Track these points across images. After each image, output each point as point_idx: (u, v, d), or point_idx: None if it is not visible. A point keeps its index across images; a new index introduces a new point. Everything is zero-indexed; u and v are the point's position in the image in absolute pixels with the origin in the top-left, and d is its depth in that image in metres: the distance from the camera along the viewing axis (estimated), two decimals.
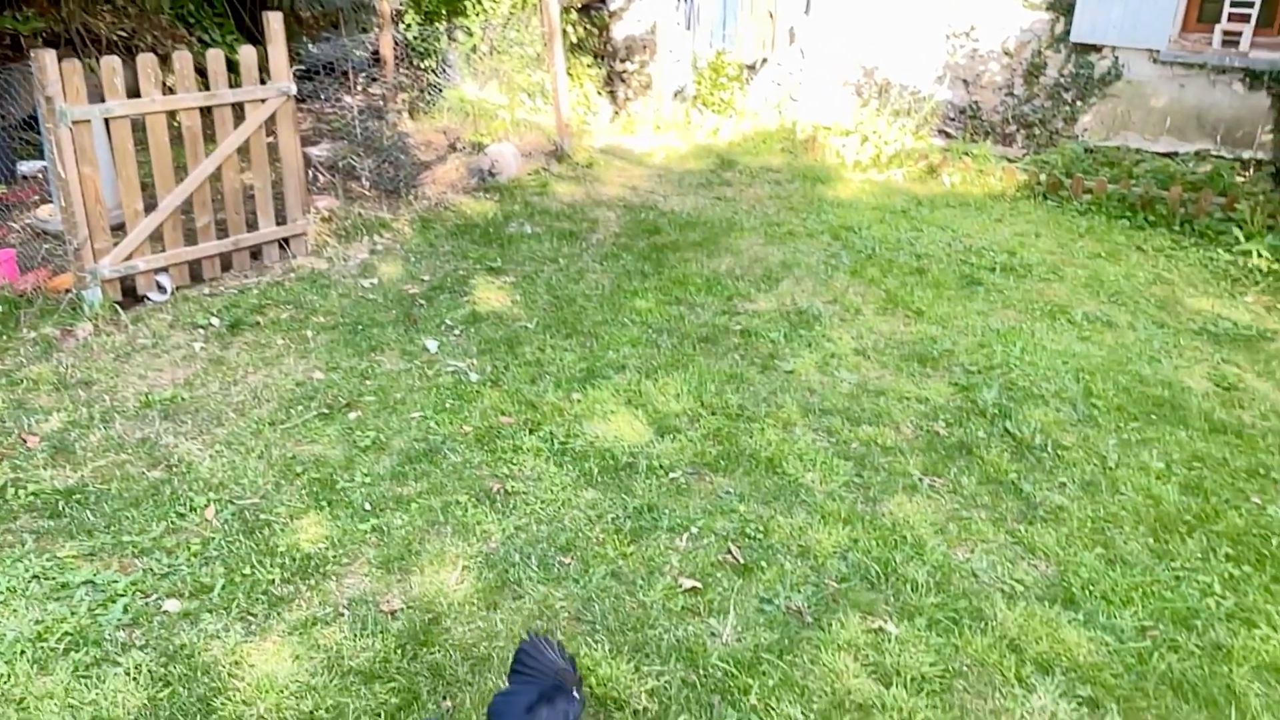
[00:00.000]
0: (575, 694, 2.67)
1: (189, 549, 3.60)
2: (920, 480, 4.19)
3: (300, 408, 4.56)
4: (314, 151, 7.48)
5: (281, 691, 2.98)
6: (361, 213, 6.74)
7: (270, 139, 6.02)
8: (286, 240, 6.16)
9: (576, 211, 7.20)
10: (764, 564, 3.64)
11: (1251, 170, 8.07)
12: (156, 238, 5.58)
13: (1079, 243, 6.95)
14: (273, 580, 3.45)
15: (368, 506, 3.88)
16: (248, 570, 3.49)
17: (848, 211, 7.41)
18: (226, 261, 5.97)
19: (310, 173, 7.06)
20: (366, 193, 7.07)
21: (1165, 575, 3.64)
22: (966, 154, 8.46)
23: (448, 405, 4.62)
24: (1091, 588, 3.56)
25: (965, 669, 3.19)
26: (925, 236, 6.95)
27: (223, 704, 2.93)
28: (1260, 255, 6.56)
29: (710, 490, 4.08)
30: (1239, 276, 6.46)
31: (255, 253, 6.10)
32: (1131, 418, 4.71)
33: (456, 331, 5.37)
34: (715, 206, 7.48)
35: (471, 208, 7.09)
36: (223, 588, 3.41)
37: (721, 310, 5.72)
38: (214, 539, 3.66)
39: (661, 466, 4.21)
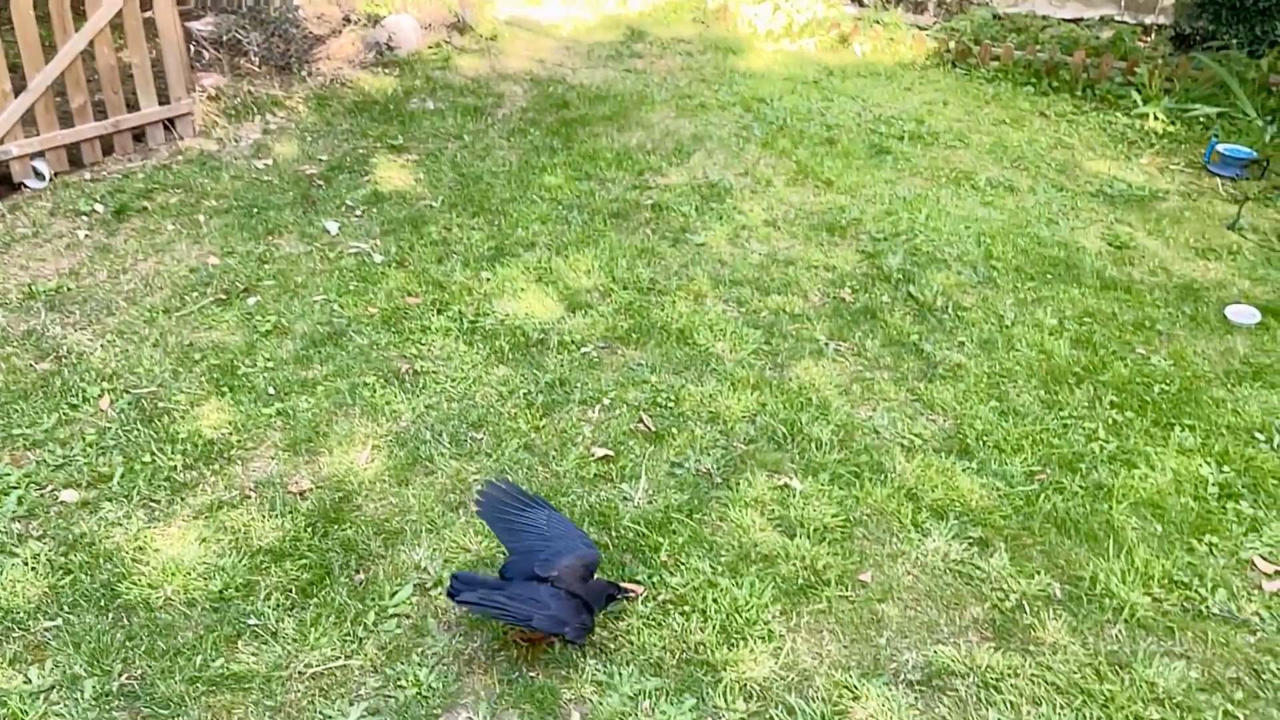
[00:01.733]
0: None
1: (84, 439, 3.49)
2: (826, 345, 4.27)
3: (195, 294, 4.40)
4: (196, 26, 6.98)
5: (188, 573, 2.96)
6: (252, 91, 6.38)
7: (147, 13, 5.59)
8: (172, 121, 5.81)
9: (481, 86, 6.94)
10: (675, 431, 3.71)
11: (1152, 35, 8.16)
12: (29, 121, 5.21)
13: (985, 109, 7.00)
14: (174, 467, 3.39)
15: (271, 391, 3.80)
16: (148, 458, 3.41)
17: (759, 83, 7.30)
18: (108, 145, 5.63)
19: (193, 49, 6.61)
20: (256, 69, 6.67)
21: (1054, 424, 3.82)
22: (878, 22, 8.35)
23: (351, 287, 4.50)
24: (985, 438, 3.72)
25: (865, 518, 3.33)
26: (836, 107, 6.90)
27: (127, 589, 2.90)
28: (1156, 118, 6.71)
29: (622, 363, 4.10)
30: (1135, 139, 6.61)
31: (138, 135, 5.75)
32: (1029, 278, 4.85)
33: (358, 212, 5.20)
34: (625, 79, 7.28)
35: (369, 83, 6.77)
36: (122, 476, 3.33)
37: (632, 185, 5.63)
38: (110, 429, 3.55)
39: (573, 342, 4.21)
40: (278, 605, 2.88)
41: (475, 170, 5.68)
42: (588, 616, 2.74)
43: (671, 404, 3.85)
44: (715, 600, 2.96)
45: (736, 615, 2.92)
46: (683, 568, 3.09)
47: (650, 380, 3.97)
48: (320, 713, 2.57)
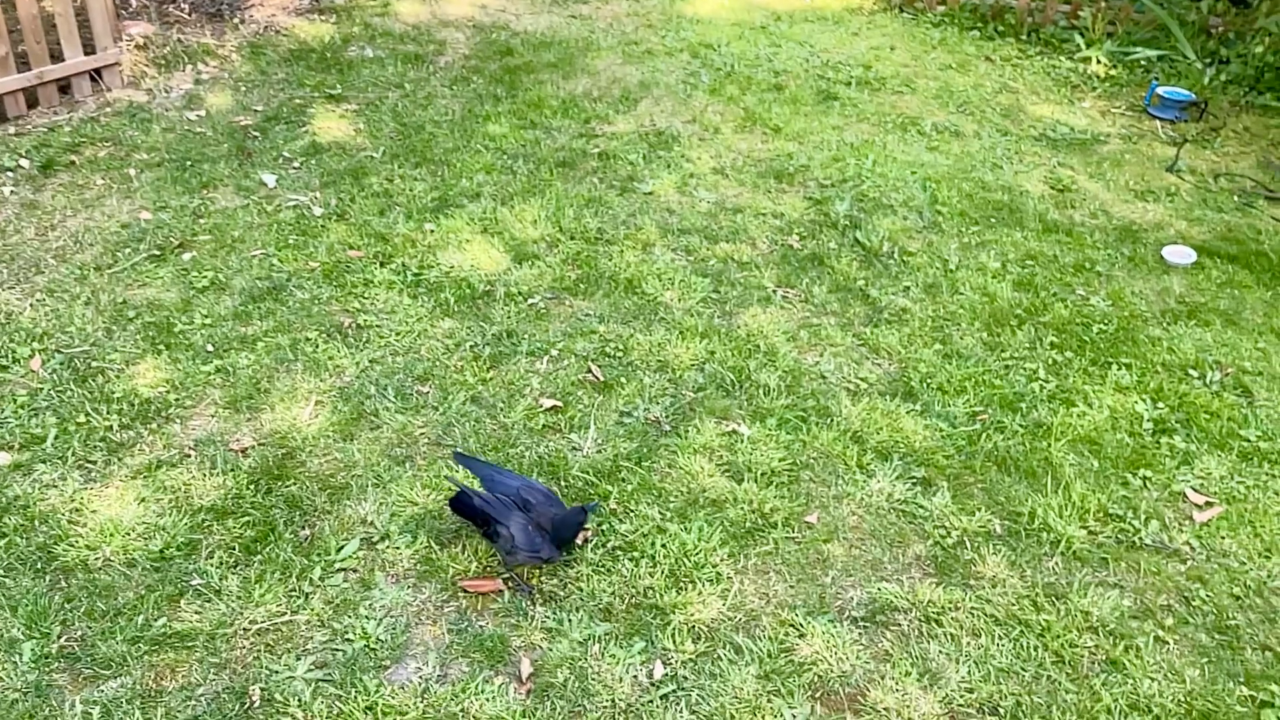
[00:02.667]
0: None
1: (15, 401, 3.39)
2: (774, 292, 4.28)
3: (128, 250, 4.27)
4: None
5: (128, 534, 2.91)
6: (182, 39, 6.15)
7: None
8: (98, 72, 5.59)
9: (422, 33, 6.76)
10: (623, 380, 3.70)
11: None
12: None
13: (931, 55, 6.99)
14: (110, 427, 3.30)
15: (210, 348, 3.72)
16: (82, 419, 3.33)
17: (707, 28, 7.21)
18: (32, 97, 5.40)
19: None
20: (186, 17, 6.43)
21: (996, 365, 3.88)
22: None
23: (291, 241, 4.40)
24: (929, 380, 3.77)
25: (811, 461, 3.37)
26: (784, 52, 6.85)
27: (64, 550, 2.84)
28: (1099, 61, 6.76)
29: (570, 313, 4.07)
30: (1078, 83, 6.66)
31: (64, 87, 5.52)
32: (973, 222, 4.89)
33: (296, 164, 5.06)
34: (570, 25, 7.14)
35: (306, 31, 6.56)
36: (56, 437, 3.24)
37: (579, 133, 5.56)
38: (42, 389, 3.45)
39: (520, 293, 4.16)
40: (221, 563, 2.84)
41: (417, 119, 5.56)
42: (548, 551, 2.76)
43: (620, 353, 3.84)
44: (664, 545, 2.98)
45: (685, 559, 2.94)
46: (632, 515, 3.10)
47: (598, 330, 3.95)
48: (266, 668, 2.56)
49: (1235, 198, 5.33)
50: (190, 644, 2.61)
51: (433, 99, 5.83)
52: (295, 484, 3.13)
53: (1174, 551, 3.09)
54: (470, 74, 6.20)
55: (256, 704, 2.47)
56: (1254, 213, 5.21)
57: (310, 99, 5.71)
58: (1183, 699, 2.63)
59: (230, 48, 6.21)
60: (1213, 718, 2.59)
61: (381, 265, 4.27)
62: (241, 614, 2.70)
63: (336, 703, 2.48)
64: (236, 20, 6.47)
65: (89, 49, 5.53)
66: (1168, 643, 2.79)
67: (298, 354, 3.71)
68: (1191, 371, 3.90)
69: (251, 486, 3.11)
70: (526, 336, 3.89)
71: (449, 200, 4.78)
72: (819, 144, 5.61)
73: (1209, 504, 3.28)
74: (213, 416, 3.40)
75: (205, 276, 4.11)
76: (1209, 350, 4.03)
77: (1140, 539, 3.12)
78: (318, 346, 3.75)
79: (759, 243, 4.64)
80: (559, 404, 3.56)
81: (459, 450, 3.12)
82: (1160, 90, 6.23)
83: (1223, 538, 3.15)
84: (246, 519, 2.99)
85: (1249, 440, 3.56)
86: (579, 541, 2.97)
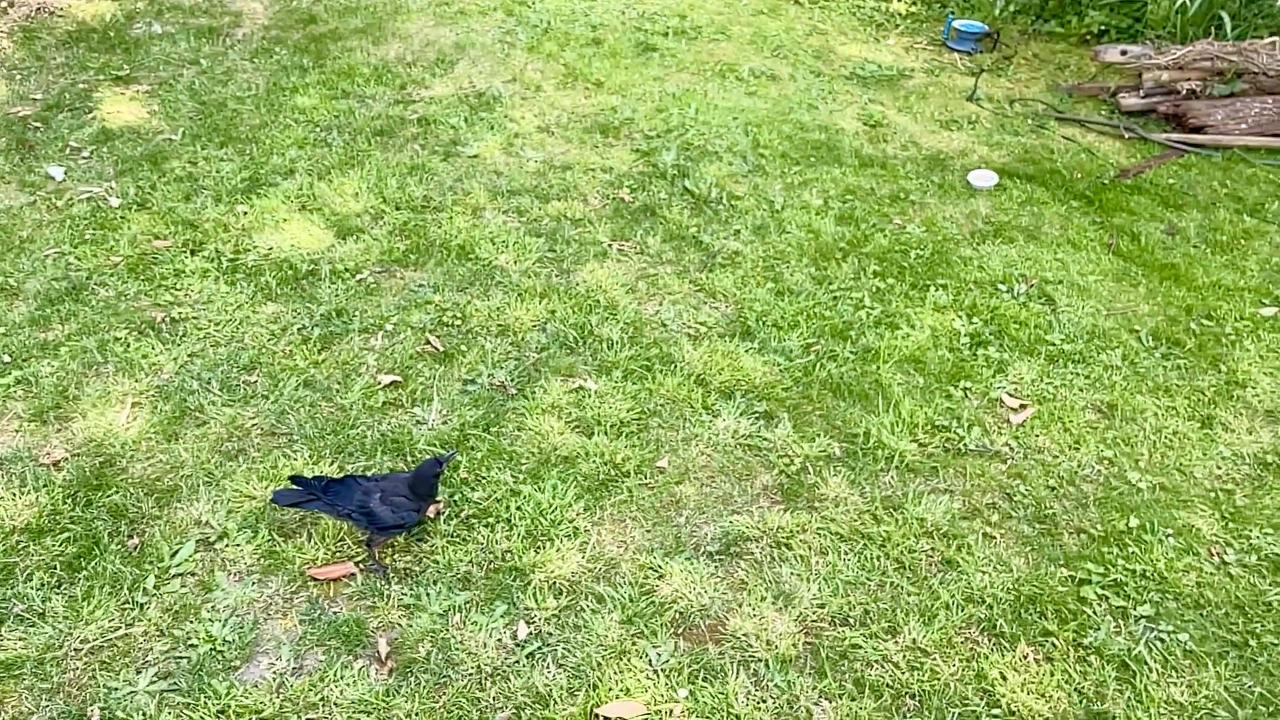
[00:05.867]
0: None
1: None
2: (610, 246, 4.29)
3: None
4: None
5: None
6: None
7: None
8: None
9: (215, 4, 6.34)
10: (464, 348, 3.64)
11: None
12: None
13: (744, 1, 7.11)
14: None
15: (6, 359, 3.42)
16: None
17: None
18: None
19: None
20: None
21: (825, 298, 4.03)
22: None
23: (88, 236, 4.08)
24: (764, 318, 3.88)
25: (659, 408, 3.42)
26: (600, 5, 6.81)
27: None
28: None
29: (402, 286, 3.96)
30: (882, 21, 6.93)
31: None
32: (794, 162, 5.04)
33: (85, 153, 4.68)
34: None
35: (84, 10, 6.04)
36: None
37: (395, 100, 5.37)
38: None
39: (347, 269, 4.01)
40: (42, 585, 2.64)
41: (217, 97, 5.23)
42: (412, 512, 2.73)
43: (459, 321, 3.77)
44: (519, 508, 2.97)
45: (541, 519, 2.94)
46: (484, 481, 3.07)
47: (434, 300, 3.87)
48: (104, 686, 2.40)
49: (1029, 121, 5.70)
50: (17, 672, 2.42)
51: (233, 74, 5.49)
52: (118, 492, 2.93)
53: (995, 453, 3.32)
54: (272, 45, 5.87)
55: None
56: (1046, 134, 5.58)
57: (95, 83, 5.28)
58: (1012, 586, 2.84)
59: (0, 33, 5.66)
60: (1039, 600, 2.81)
61: (192, 253, 4.02)
62: (70, 634, 2.52)
63: (185, 711, 2.36)
64: (5, 4, 5.89)
65: None
66: (995, 537, 3.00)
67: (107, 355, 3.46)
68: (1000, 286, 4.17)
69: (69, 500, 2.89)
70: (358, 313, 3.77)
71: (261, 179, 4.54)
72: (641, 96, 5.63)
73: (1023, 406, 3.53)
74: (17, 431, 3.14)
75: None
76: (1014, 265, 4.32)
77: (965, 445, 3.33)
78: (129, 346, 3.51)
79: (590, 198, 4.64)
80: (399, 379, 3.46)
81: (292, 475, 2.91)
82: (956, 24, 6.56)
83: (1037, 436, 3.41)
84: (66, 535, 2.78)
85: (1054, 344, 3.85)
86: (432, 514, 2.92)
